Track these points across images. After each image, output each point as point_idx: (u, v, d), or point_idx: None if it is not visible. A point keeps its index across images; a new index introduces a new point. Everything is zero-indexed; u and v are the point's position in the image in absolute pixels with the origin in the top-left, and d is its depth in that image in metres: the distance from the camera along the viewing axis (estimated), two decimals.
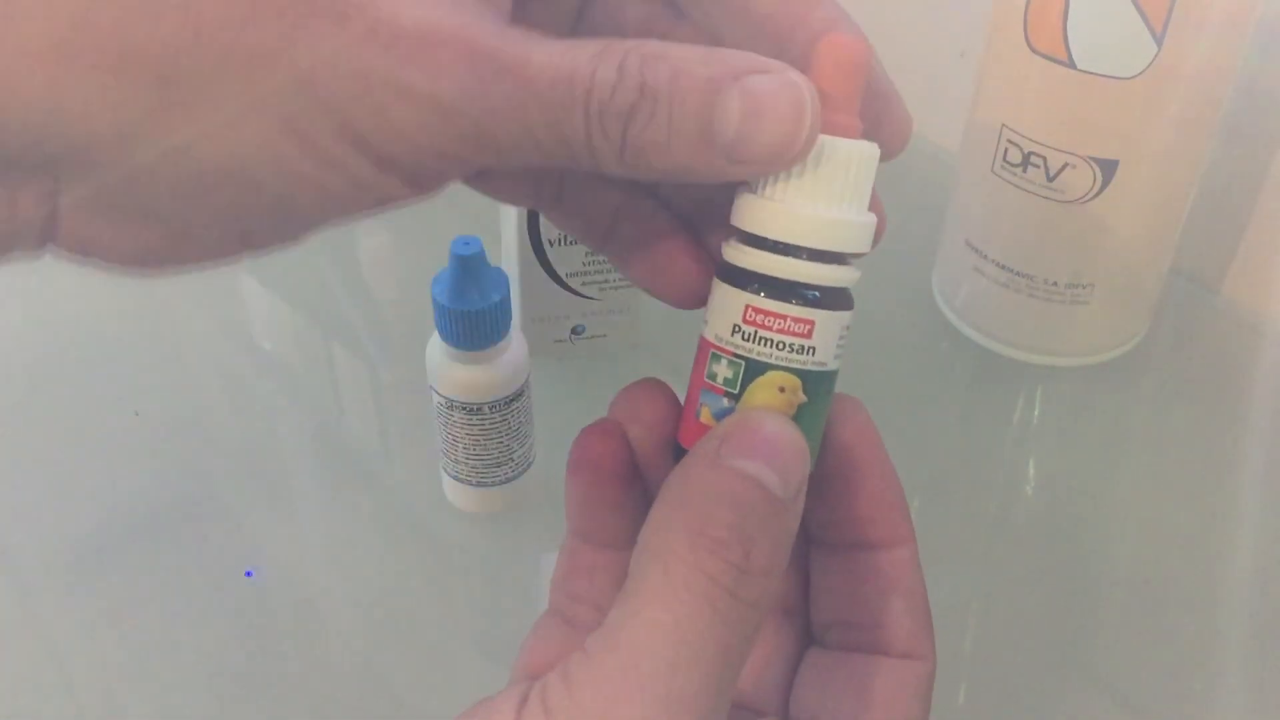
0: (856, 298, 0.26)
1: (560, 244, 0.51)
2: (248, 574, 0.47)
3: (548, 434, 0.49)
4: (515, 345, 0.45)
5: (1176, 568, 0.49)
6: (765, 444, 0.24)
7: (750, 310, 0.25)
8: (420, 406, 0.48)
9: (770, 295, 0.25)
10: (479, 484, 0.47)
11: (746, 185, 0.25)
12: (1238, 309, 0.62)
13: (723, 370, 0.25)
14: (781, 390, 0.25)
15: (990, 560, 0.49)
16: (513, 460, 0.47)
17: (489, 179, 0.27)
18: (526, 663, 0.28)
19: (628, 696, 0.22)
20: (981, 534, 0.51)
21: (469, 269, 0.42)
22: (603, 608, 0.23)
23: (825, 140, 0.24)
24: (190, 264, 0.24)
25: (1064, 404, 0.56)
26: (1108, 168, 0.49)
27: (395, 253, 0.67)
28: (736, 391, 0.25)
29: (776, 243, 0.25)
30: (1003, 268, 0.54)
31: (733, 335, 0.25)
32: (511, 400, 0.45)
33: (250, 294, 0.64)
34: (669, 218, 0.28)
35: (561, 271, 0.53)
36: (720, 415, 0.25)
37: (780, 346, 0.25)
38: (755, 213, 0.25)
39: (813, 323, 0.25)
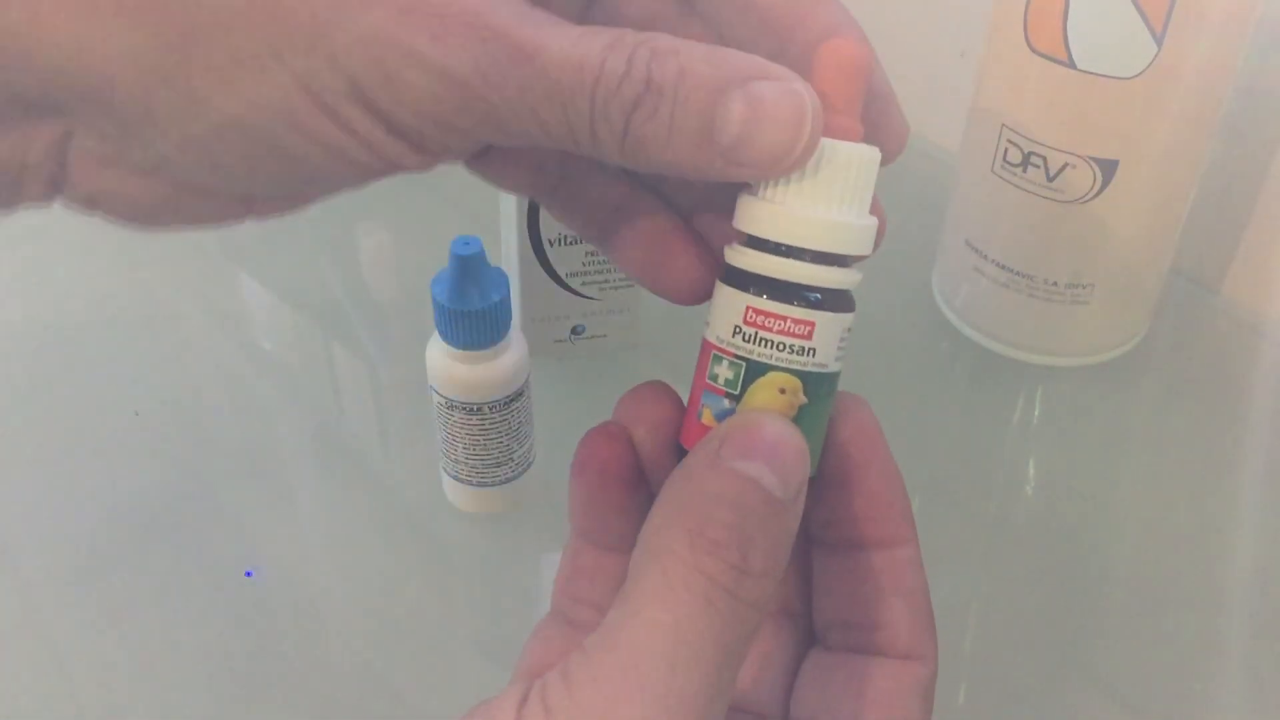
0: (856, 298, 0.26)
1: (560, 244, 0.51)
2: (248, 574, 0.47)
3: (548, 434, 0.49)
4: (515, 345, 0.45)
5: (1176, 568, 0.49)
6: (765, 445, 0.24)
7: (751, 311, 0.25)
8: (420, 406, 0.48)
9: (772, 297, 0.25)
10: (479, 484, 0.47)
11: (748, 187, 0.25)
12: (1238, 309, 0.62)
13: (724, 371, 0.25)
14: (782, 391, 0.25)
15: (990, 560, 0.49)
16: (513, 460, 0.47)
17: (491, 161, 0.28)
18: (528, 664, 0.28)
19: (627, 695, 0.22)
20: (981, 534, 0.51)
21: (469, 269, 0.42)
22: (605, 610, 0.23)
23: (826, 143, 0.24)
24: (196, 222, 0.25)
25: (1064, 404, 0.56)
26: (1108, 168, 0.49)
27: (395, 253, 0.67)
28: (737, 393, 0.25)
29: (778, 245, 0.25)
30: (1003, 268, 0.54)
31: (734, 336, 0.25)
32: (511, 400, 0.45)
33: (250, 294, 0.64)
34: (670, 213, 0.28)
35: (561, 271, 0.53)
36: (721, 416, 0.25)
37: (781, 348, 0.25)
38: (756, 215, 0.25)
39: (813, 324, 0.25)
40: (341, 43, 0.21)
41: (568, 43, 0.22)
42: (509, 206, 0.51)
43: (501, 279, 0.43)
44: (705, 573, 0.22)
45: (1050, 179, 0.50)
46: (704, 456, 0.24)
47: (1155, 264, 0.55)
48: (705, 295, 0.27)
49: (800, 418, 0.25)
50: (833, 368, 0.26)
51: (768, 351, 0.25)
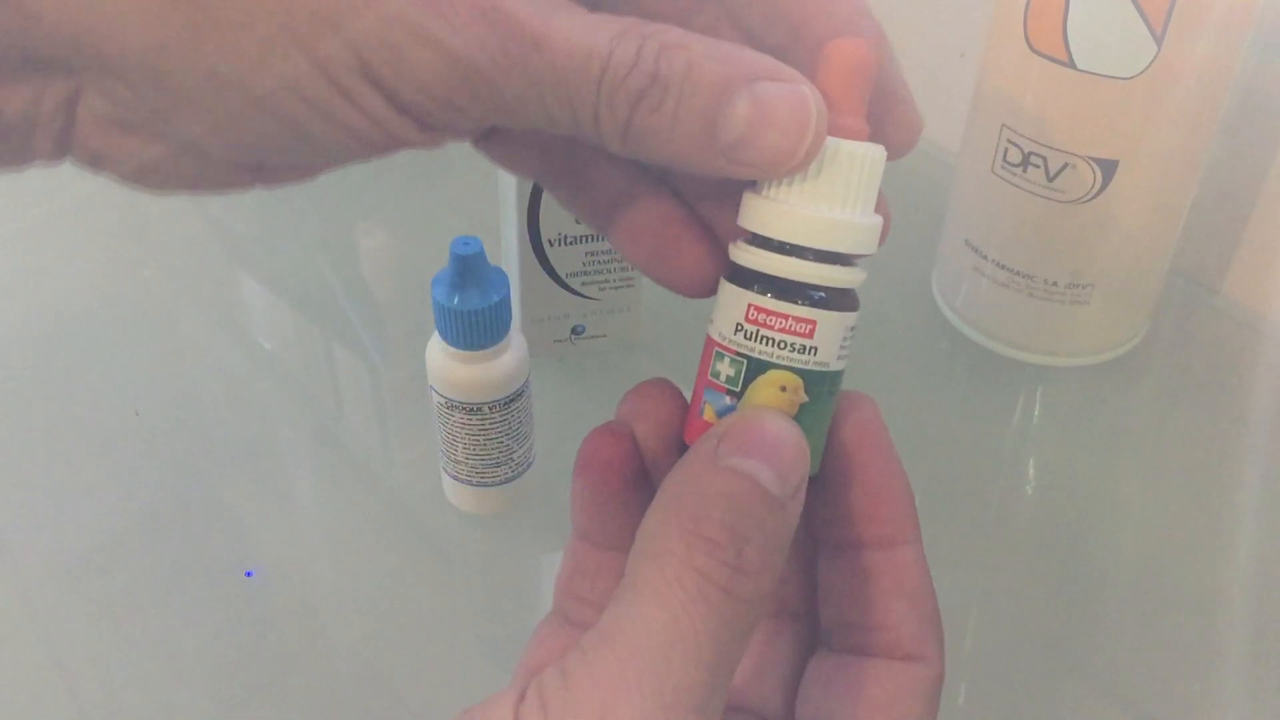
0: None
1: (560, 244, 0.51)
2: (248, 574, 0.47)
3: (548, 434, 0.49)
4: (515, 345, 0.45)
5: (1176, 568, 0.49)
6: (763, 442, 0.24)
7: (753, 309, 0.25)
8: (420, 406, 0.48)
9: (775, 295, 0.25)
10: (479, 484, 0.47)
11: (753, 185, 0.25)
12: (1238, 309, 0.62)
13: (725, 368, 0.25)
14: (783, 389, 0.25)
15: (990, 560, 0.49)
16: (513, 460, 0.47)
17: (497, 142, 0.28)
18: (528, 663, 0.28)
19: (624, 692, 0.22)
20: (981, 534, 0.51)
21: (469, 269, 0.42)
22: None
23: (831, 142, 0.24)
24: (203, 187, 0.25)
25: (1064, 404, 0.56)
26: (1108, 168, 0.49)
27: (395, 253, 0.67)
28: (738, 390, 0.25)
29: (781, 243, 0.25)
30: (1002, 268, 0.54)
31: (735, 334, 0.25)
32: (511, 400, 0.45)
33: (250, 294, 0.64)
34: (678, 203, 0.28)
35: (561, 271, 0.52)
36: (722, 413, 0.25)
37: (782, 346, 0.25)
38: (760, 213, 0.25)
39: (815, 323, 0.25)
40: (350, 18, 0.21)
41: (577, 30, 0.22)
42: (509, 207, 0.51)
43: (501, 279, 0.43)
44: (701, 570, 0.22)
45: (1050, 179, 0.50)
46: (702, 454, 0.24)
47: (1155, 264, 0.55)
48: (711, 289, 0.27)
49: (801, 416, 0.25)
50: (835, 366, 0.25)
51: (769, 349, 0.25)
